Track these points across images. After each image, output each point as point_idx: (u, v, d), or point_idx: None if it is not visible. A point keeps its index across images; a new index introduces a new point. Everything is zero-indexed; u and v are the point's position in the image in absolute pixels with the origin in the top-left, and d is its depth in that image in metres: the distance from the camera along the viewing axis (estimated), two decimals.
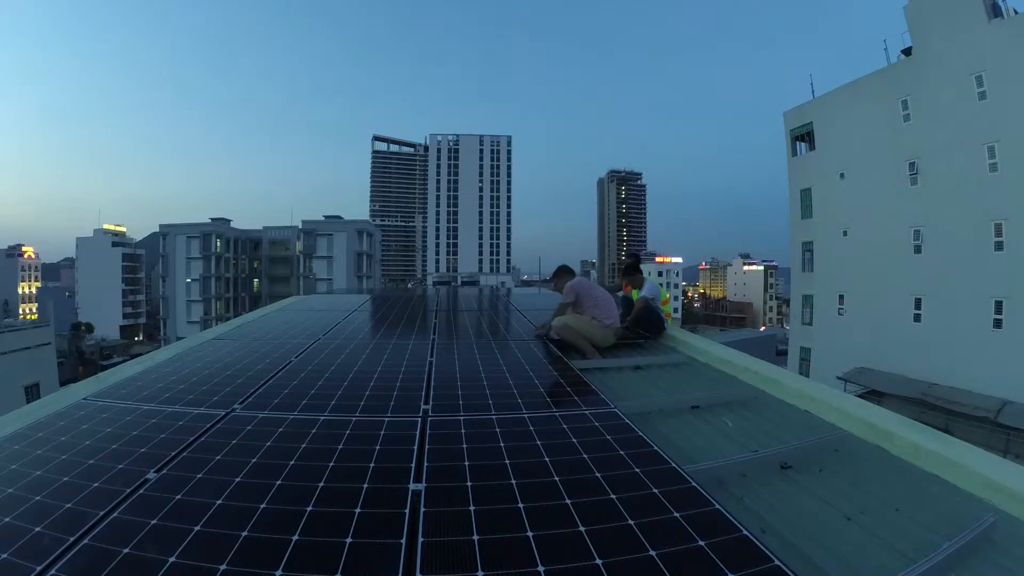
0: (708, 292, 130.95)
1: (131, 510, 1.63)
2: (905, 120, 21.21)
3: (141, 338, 71.91)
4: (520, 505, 1.65)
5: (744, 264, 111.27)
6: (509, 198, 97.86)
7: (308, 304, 7.43)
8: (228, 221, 66.92)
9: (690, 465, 2.10)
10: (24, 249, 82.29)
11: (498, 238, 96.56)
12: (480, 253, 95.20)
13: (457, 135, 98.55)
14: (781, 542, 1.71)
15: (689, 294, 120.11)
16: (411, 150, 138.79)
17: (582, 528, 1.52)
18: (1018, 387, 16.15)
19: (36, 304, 71.94)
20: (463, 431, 2.31)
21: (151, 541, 1.45)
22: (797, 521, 1.88)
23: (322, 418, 2.46)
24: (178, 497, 1.70)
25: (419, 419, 2.44)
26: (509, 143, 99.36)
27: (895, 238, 21.24)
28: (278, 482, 1.81)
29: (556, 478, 1.85)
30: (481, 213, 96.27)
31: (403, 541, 1.44)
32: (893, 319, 20.93)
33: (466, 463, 1.98)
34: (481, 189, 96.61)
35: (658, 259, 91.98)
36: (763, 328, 76.87)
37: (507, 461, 1.99)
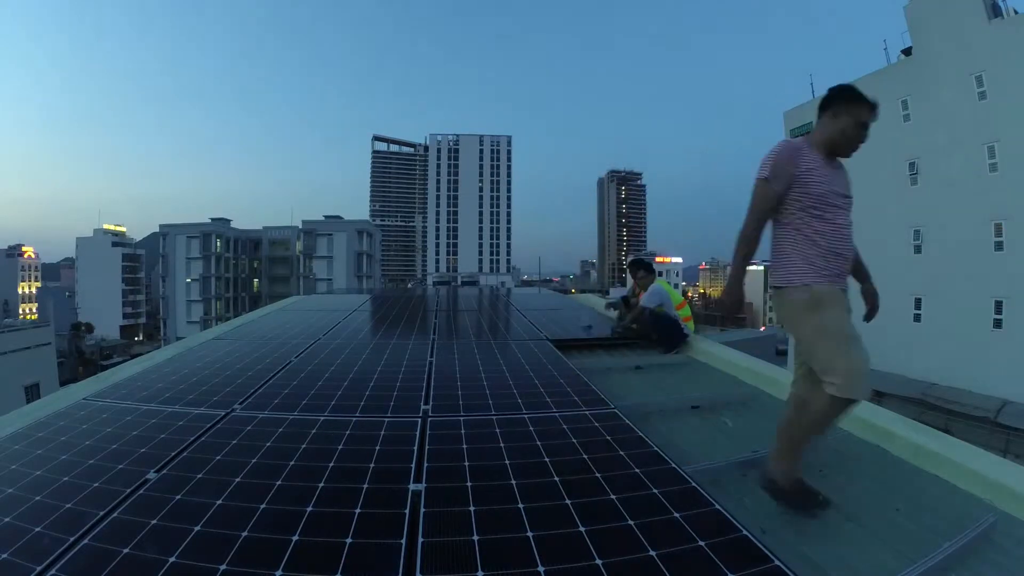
0: (708, 292, 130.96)
1: (131, 510, 1.63)
2: (905, 120, 21.21)
3: (141, 338, 71.90)
4: (520, 505, 1.65)
5: None
6: (509, 198, 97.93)
7: (308, 304, 7.43)
8: (228, 221, 66.93)
9: (690, 465, 2.10)
10: (24, 249, 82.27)
11: (498, 238, 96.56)
12: (480, 253, 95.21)
13: (457, 135, 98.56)
14: (781, 542, 1.71)
15: (689, 294, 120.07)
16: (411, 150, 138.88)
17: (582, 528, 1.52)
18: (1018, 387, 16.15)
19: (36, 304, 71.94)
20: (463, 431, 2.31)
21: (151, 541, 1.45)
22: (797, 521, 1.89)
23: (322, 418, 2.46)
24: (178, 497, 1.70)
25: (419, 419, 2.44)
26: (509, 143, 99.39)
27: (895, 238, 21.24)
28: (278, 482, 1.81)
29: (556, 478, 1.85)
30: (481, 213, 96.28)
31: (403, 541, 1.44)
32: (893, 319, 20.88)
33: (466, 463, 1.98)
34: (481, 189, 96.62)
35: (658, 259, 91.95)
36: (763, 328, 76.85)
37: (507, 461, 1.99)
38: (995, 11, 18.42)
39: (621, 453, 2.09)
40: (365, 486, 1.78)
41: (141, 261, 78.40)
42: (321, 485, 1.79)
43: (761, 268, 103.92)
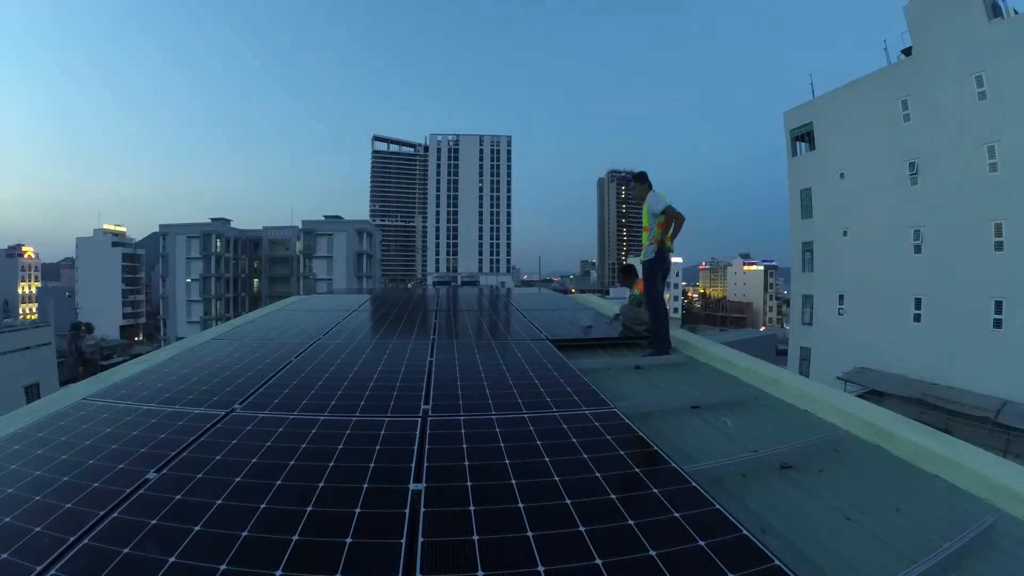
0: (708, 292, 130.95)
1: (131, 510, 1.63)
2: (905, 120, 21.23)
3: (141, 338, 71.92)
4: (520, 505, 1.65)
5: (744, 264, 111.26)
6: (509, 198, 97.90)
7: (308, 304, 7.43)
8: (228, 221, 66.94)
9: (690, 465, 2.09)
10: (24, 249, 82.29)
11: (498, 238, 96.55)
12: (480, 253, 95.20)
13: (457, 135, 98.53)
14: (781, 542, 1.72)
15: (689, 294, 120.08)
16: (411, 150, 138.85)
17: (582, 528, 1.52)
18: (1018, 387, 16.16)
19: (36, 304, 71.93)
20: (463, 431, 2.31)
21: (151, 541, 1.45)
22: (797, 521, 1.89)
23: (322, 418, 2.46)
24: (178, 497, 1.70)
25: (419, 419, 2.44)
26: (509, 143, 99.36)
27: (895, 238, 21.25)
28: (278, 482, 1.81)
29: (556, 478, 1.85)
30: (481, 213, 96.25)
31: (403, 541, 1.44)
32: (893, 319, 20.94)
33: (466, 463, 1.97)
34: (481, 189, 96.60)
35: None
36: (763, 328, 76.88)
37: (507, 461, 1.99)
38: (995, 11, 18.43)
39: (621, 453, 2.09)
40: (365, 486, 1.78)
41: (141, 261, 78.41)
42: (321, 485, 1.78)
43: (761, 268, 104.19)
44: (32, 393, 21.35)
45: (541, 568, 1.33)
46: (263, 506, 1.64)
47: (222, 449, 2.09)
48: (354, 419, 2.45)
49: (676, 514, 1.60)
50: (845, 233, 23.94)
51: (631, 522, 1.55)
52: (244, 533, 1.49)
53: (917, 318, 20.47)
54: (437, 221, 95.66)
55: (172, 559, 1.36)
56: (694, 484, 1.80)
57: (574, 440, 2.22)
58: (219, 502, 1.67)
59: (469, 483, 1.81)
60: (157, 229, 66.33)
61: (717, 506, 1.65)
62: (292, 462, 1.97)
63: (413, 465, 1.94)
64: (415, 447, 2.11)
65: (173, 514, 1.60)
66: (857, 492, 2.12)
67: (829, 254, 25.02)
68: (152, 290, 77.52)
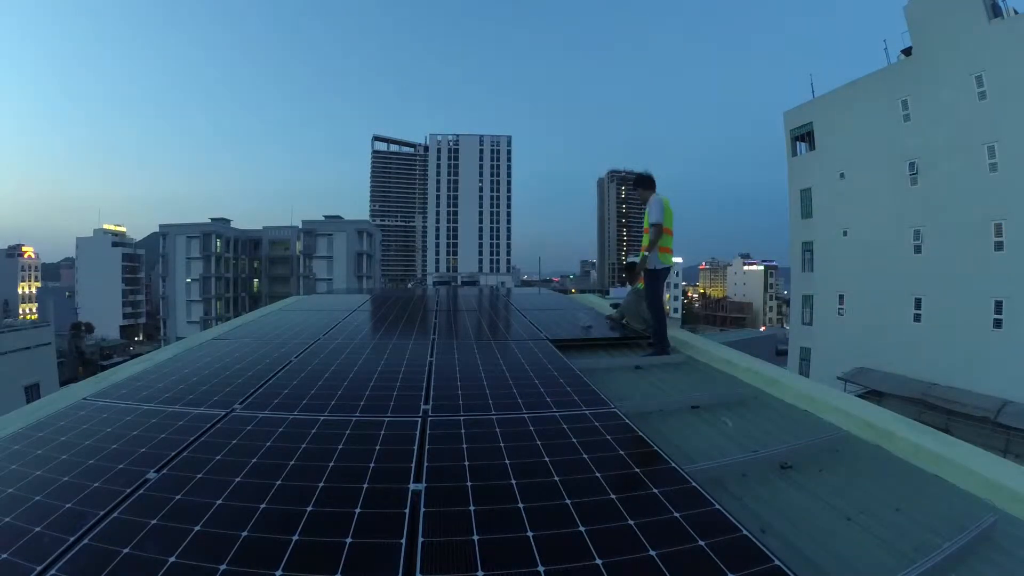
0: (708, 292, 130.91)
1: (131, 510, 1.63)
2: (905, 120, 21.22)
3: (141, 338, 71.92)
4: (520, 505, 1.65)
5: (744, 264, 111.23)
6: (509, 198, 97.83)
7: (308, 304, 7.43)
8: (228, 221, 66.94)
9: (690, 465, 2.10)
10: (24, 249, 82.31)
11: (498, 238, 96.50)
12: (480, 253, 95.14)
13: (457, 135, 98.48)
14: (781, 542, 1.72)
15: (689, 294, 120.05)
16: (411, 150, 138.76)
17: (582, 528, 1.52)
18: (1018, 387, 16.15)
19: (36, 304, 71.93)
20: (463, 431, 2.31)
21: (151, 541, 1.45)
22: (797, 521, 1.89)
23: (322, 418, 2.46)
24: (178, 497, 1.70)
25: (419, 419, 2.44)
26: (509, 143, 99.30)
27: (895, 238, 21.24)
28: (278, 482, 1.81)
29: (556, 478, 1.85)
30: (481, 213, 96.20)
31: (403, 541, 1.44)
32: (893, 319, 20.93)
33: (466, 463, 1.97)
34: (481, 189, 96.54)
35: None
36: (763, 328, 76.85)
37: (507, 461, 1.99)
38: (995, 11, 18.43)
39: (621, 453, 2.09)
40: (365, 486, 1.78)
41: (141, 261, 78.42)
42: (321, 485, 1.78)
43: (761, 268, 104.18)
44: (32, 393, 21.36)
45: (541, 568, 1.33)
46: (263, 506, 1.64)
47: (222, 449, 2.09)
48: (354, 419, 2.45)
49: (676, 514, 1.60)
50: (845, 233, 23.94)
51: (631, 522, 1.55)
52: (244, 533, 1.49)
53: (917, 318, 20.46)
54: (437, 221, 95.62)
55: (172, 559, 1.36)
56: (694, 484, 1.80)
57: (574, 440, 2.22)
58: (219, 502, 1.67)
59: (469, 483, 1.80)
60: (157, 229, 66.33)
61: (717, 506, 1.65)
62: (292, 462, 1.97)
63: (413, 465, 1.94)
64: (415, 447, 2.11)
65: (173, 514, 1.60)
66: (857, 492, 2.12)
67: (829, 254, 25.02)
68: (152, 290, 77.51)
